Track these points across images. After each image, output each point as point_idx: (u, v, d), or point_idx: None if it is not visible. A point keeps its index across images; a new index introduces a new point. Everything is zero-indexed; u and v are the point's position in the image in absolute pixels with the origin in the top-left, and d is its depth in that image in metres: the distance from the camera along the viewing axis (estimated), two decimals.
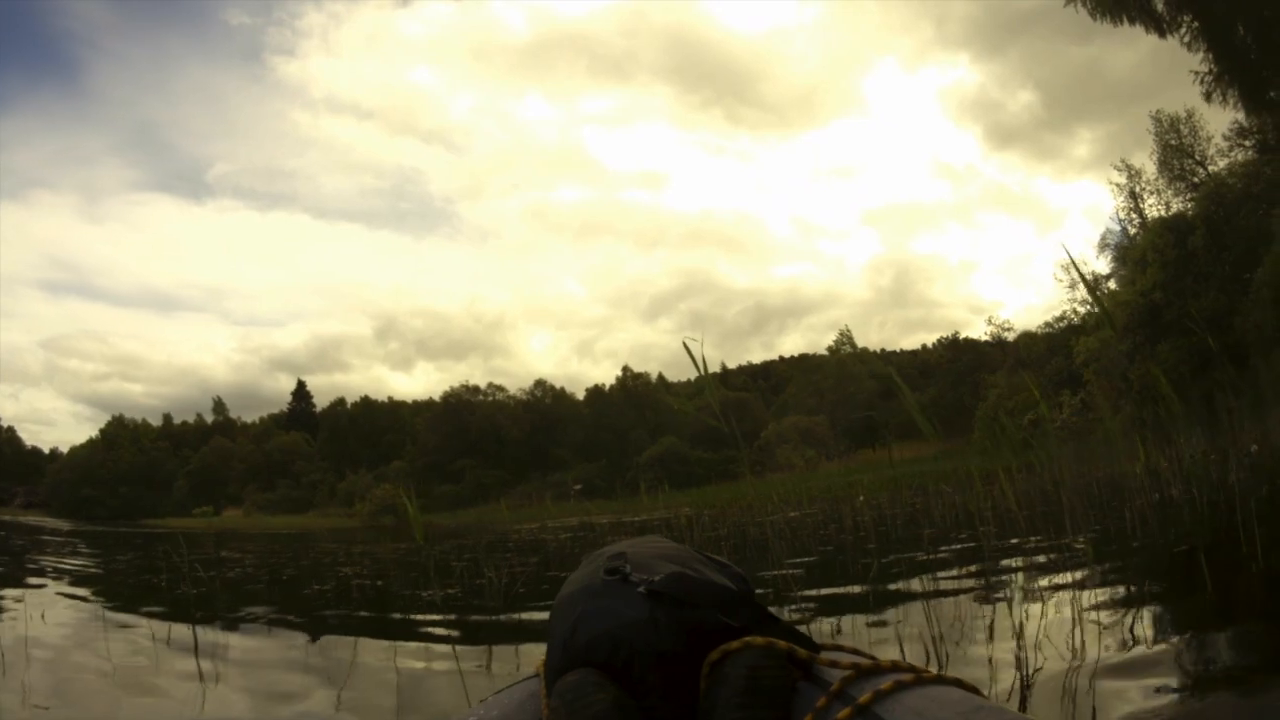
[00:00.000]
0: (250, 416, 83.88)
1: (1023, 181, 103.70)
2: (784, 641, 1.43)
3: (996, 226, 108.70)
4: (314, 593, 8.79)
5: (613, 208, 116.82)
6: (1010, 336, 49.05)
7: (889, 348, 79.71)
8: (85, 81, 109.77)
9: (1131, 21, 19.17)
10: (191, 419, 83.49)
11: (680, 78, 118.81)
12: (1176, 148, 27.72)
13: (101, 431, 75.87)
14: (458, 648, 4.79)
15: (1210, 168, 26.10)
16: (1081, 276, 3.61)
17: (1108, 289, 32.82)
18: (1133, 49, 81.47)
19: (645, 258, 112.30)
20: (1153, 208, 29.66)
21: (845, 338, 70.13)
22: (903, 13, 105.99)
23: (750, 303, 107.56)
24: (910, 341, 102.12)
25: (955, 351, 57.26)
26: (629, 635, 1.42)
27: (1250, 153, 22.07)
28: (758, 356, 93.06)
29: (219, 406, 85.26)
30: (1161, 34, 19.18)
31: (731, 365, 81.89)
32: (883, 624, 4.31)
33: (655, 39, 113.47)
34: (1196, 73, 20.76)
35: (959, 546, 7.40)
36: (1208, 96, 22.15)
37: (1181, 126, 27.40)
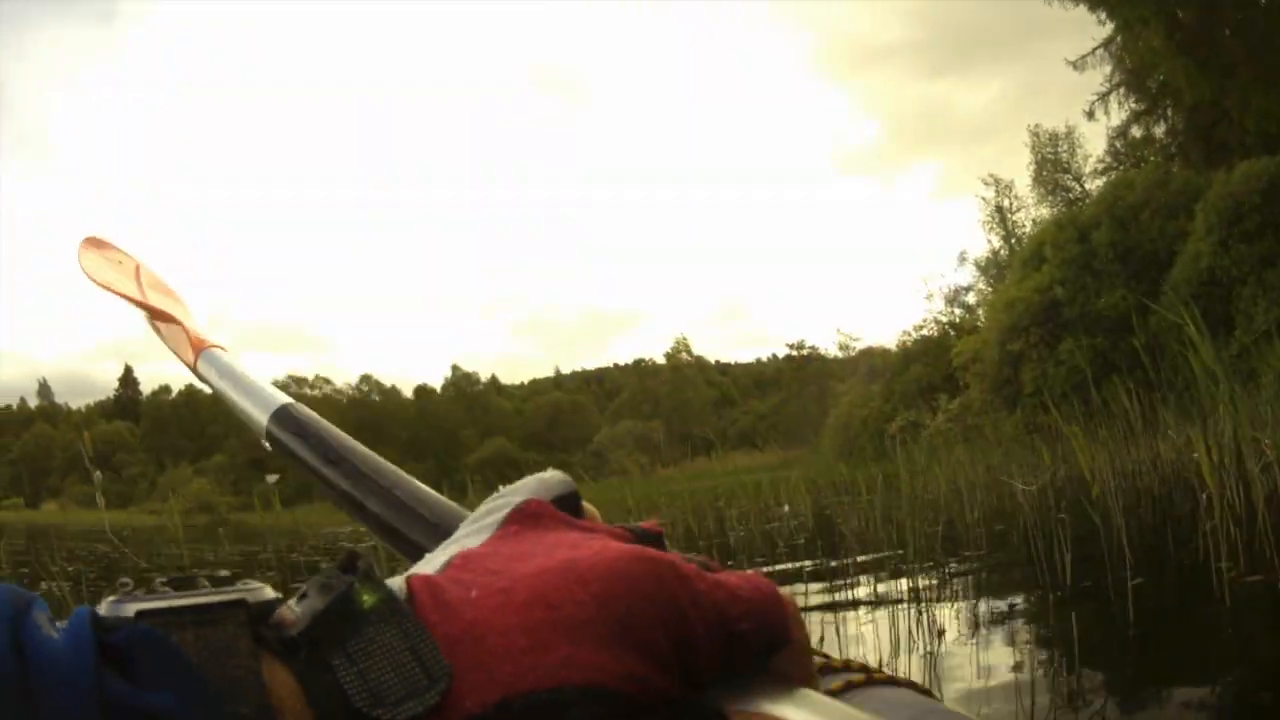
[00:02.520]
0: (79, 404, 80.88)
1: (866, 210, 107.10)
2: None
3: (836, 252, 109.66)
4: None
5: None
6: (858, 348, 48.68)
7: (723, 359, 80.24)
8: None
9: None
10: (16, 404, 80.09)
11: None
12: (1054, 161, 28.15)
13: None
14: None
15: (1087, 184, 26.91)
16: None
17: (965, 301, 32.38)
18: (980, 90, 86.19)
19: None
20: (1022, 223, 30.40)
21: (681, 345, 70.35)
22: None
23: (585, 310, 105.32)
24: (745, 355, 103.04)
25: (798, 361, 56.71)
26: None
27: (1149, 160, 22.36)
28: (591, 363, 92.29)
29: (44, 390, 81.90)
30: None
31: (565, 370, 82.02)
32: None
33: None
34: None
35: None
36: (1090, 114, 23.25)
37: (1061, 142, 28.19)
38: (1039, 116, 69.37)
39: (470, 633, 0.30)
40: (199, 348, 0.98)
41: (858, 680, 1.06)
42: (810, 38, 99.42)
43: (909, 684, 1.08)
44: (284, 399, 0.79)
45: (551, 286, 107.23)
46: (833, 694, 0.99)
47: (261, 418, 0.80)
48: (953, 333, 31.33)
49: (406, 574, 0.33)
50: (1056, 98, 59.14)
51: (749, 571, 0.38)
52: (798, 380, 53.36)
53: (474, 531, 0.40)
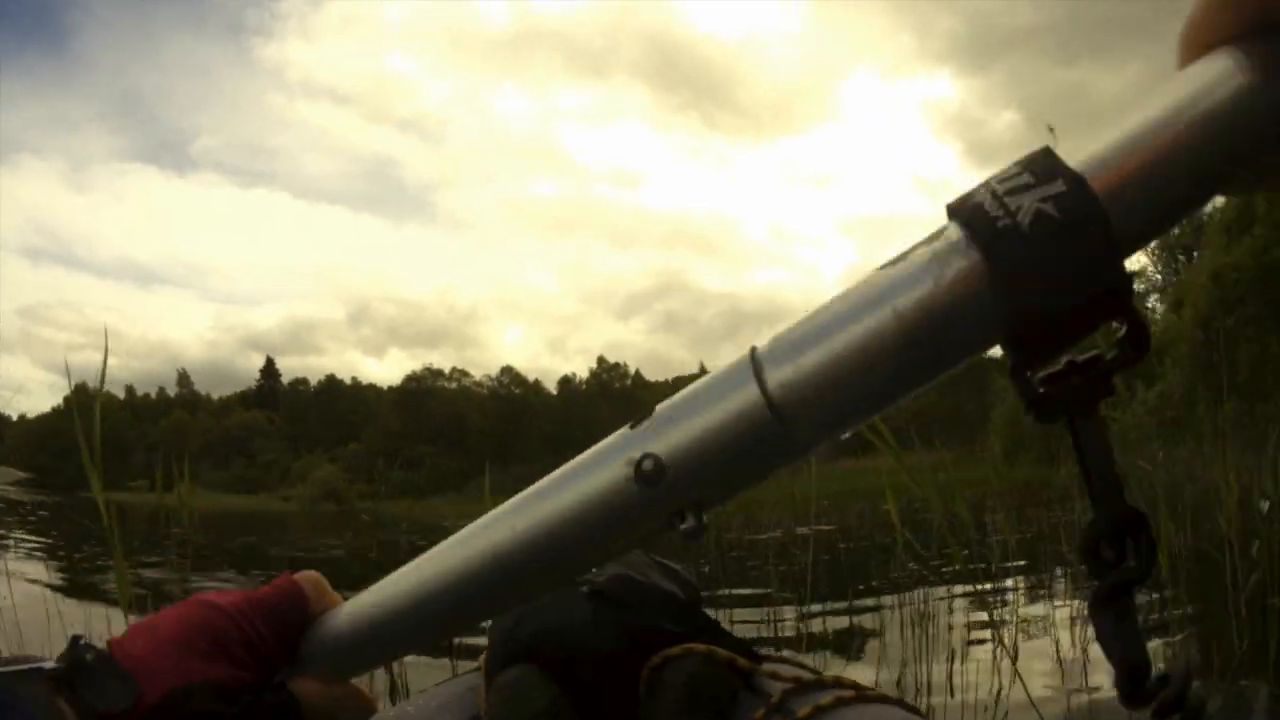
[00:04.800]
0: (220, 394, 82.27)
1: None
2: (725, 650, 1.33)
3: None
4: None
5: (587, 204, 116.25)
6: None
7: None
8: (73, 46, 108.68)
9: None
10: (155, 393, 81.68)
11: (658, 79, 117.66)
12: None
13: (65, 399, 72.16)
14: None
15: None
16: None
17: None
18: (1117, 74, 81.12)
19: (619, 256, 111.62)
20: None
21: None
22: (884, 24, 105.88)
23: (725, 306, 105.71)
24: None
25: None
26: (570, 634, 1.35)
27: None
28: (735, 357, 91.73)
29: (183, 379, 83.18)
30: None
31: (709, 365, 79.29)
32: None
33: (634, 39, 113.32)
34: None
35: None
36: None
37: None
38: None
39: (140, 659, 0.49)
40: None
41: (847, 696, 1.21)
42: (944, 22, 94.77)
43: (898, 702, 1.21)
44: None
45: (689, 283, 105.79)
46: (822, 709, 1.18)
47: None
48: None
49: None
50: None
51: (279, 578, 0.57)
52: (950, 375, 50.18)
53: None
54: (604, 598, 1.41)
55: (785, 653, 1.67)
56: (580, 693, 1.32)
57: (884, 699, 1.22)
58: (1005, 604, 5.44)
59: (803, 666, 1.40)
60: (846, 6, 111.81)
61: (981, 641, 4.42)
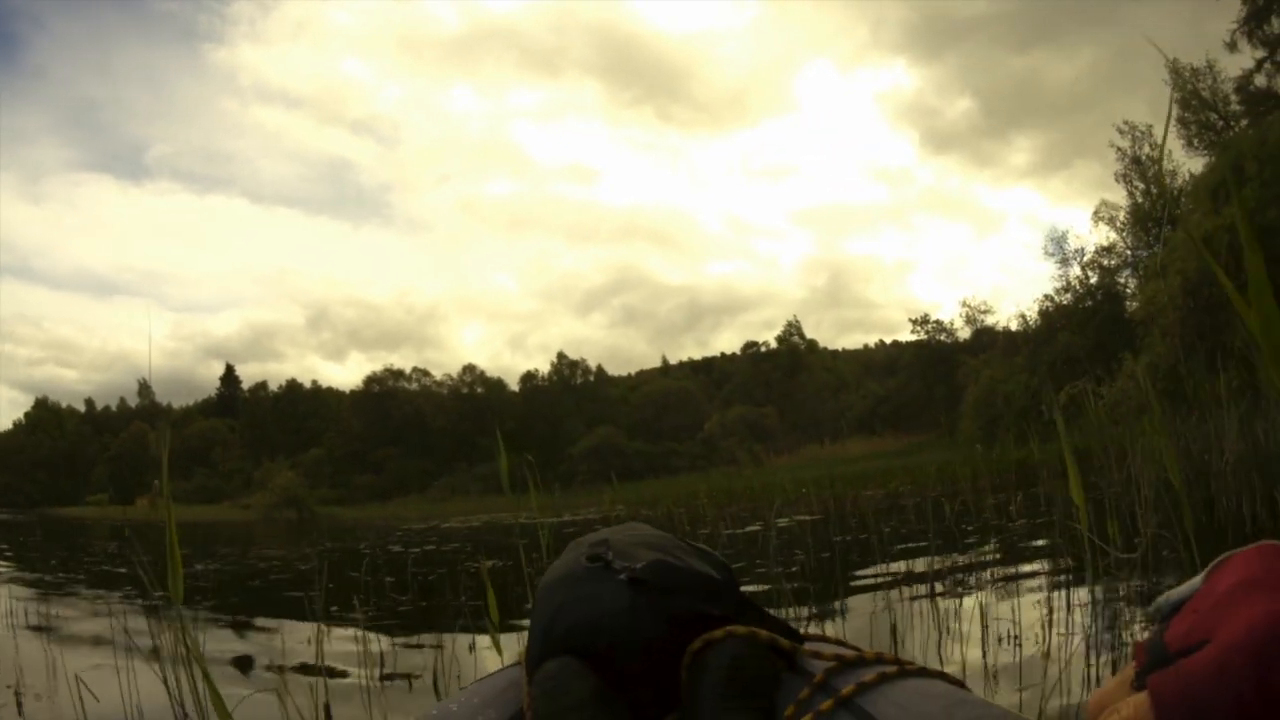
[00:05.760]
0: (181, 404, 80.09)
1: (960, 187, 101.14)
2: (766, 631, 1.36)
3: (933, 230, 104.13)
4: None
5: (543, 202, 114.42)
6: (991, 319, 44.79)
7: (827, 347, 77.07)
8: (24, 57, 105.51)
9: None
10: (116, 404, 79.81)
11: (611, 75, 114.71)
12: (1198, 100, 25.30)
13: (26, 415, 72.61)
14: None
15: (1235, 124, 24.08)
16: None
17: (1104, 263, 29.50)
18: (1071, 61, 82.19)
19: (576, 252, 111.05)
20: (1181, 167, 27.18)
21: (794, 328, 68.02)
22: (837, 16, 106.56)
23: (684, 299, 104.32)
24: (846, 341, 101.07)
25: (919, 341, 53.11)
26: (610, 623, 1.35)
27: None
28: (694, 353, 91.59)
29: (144, 390, 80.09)
30: None
31: (672, 360, 79.39)
32: None
33: (585, 35, 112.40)
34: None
35: None
36: (1232, 45, 22.29)
37: (1203, 78, 25.45)
38: (1132, 86, 65.89)
39: None
40: None
41: (890, 672, 1.21)
42: (897, 12, 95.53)
43: (940, 675, 1.20)
44: None
45: (647, 277, 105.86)
46: (866, 685, 1.18)
47: None
48: (1097, 295, 28.78)
49: None
50: (1153, 61, 55.55)
51: None
52: (920, 360, 49.90)
53: None
54: (643, 585, 1.39)
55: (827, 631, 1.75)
56: (622, 681, 1.32)
57: (925, 672, 1.21)
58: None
59: (844, 644, 1.43)
60: None
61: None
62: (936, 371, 44.78)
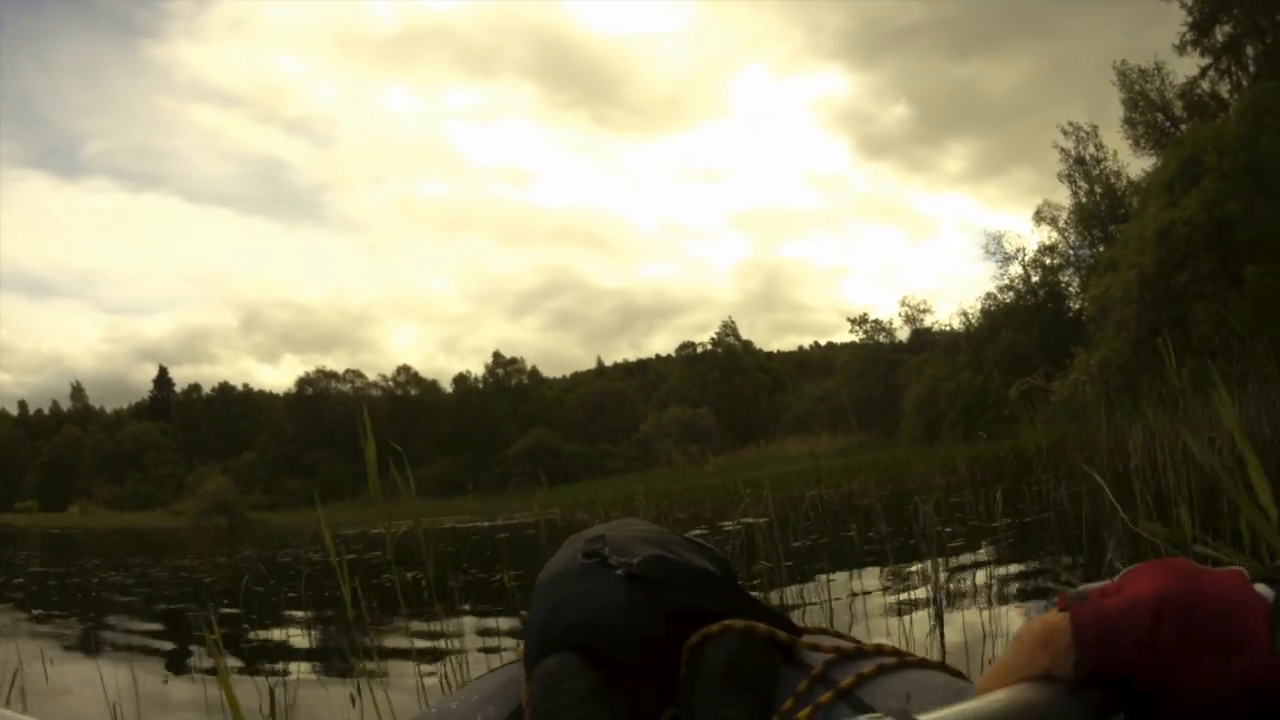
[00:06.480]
0: (115, 407, 78.85)
1: (894, 192, 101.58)
2: (764, 625, 1.28)
3: (867, 234, 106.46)
4: None
5: (477, 203, 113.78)
6: (930, 320, 44.91)
7: (762, 348, 77.20)
8: None
9: None
10: (48, 408, 78.37)
11: (547, 77, 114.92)
12: (1145, 101, 25.77)
13: None
14: None
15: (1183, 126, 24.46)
16: None
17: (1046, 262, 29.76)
18: (1009, 69, 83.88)
19: (510, 254, 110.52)
20: (1125, 168, 28.16)
21: (729, 329, 68.04)
22: (774, 21, 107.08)
23: (617, 302, 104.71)
24: (780, 344, 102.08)
25: (857, 341, 53.16)
26: (607, 619, 1.30)
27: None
28: (629, 356, 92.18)
29: (77, 393, 79.85)
30: None
31: (607, 362, 79.17)
32: None
33: (522, 37, 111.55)
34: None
35: None
36: (1181, 48, 22.63)
37: (1151, 79, 26.21)
38: (1070, 94, 67.40)
39: None
40: None
41: (890, 664, 1.18)
42: (834, 19, 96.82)
43: (941, 666, 1.19)
44: None
45: (580, 280, 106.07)
46: (865, 677, 1.15)
47: None
48: (1040, 293, 29.01)
49: None
50: (1090, 71, 56.79)
51: None
52: (858, 360, 49.85)
53: None
54: (640, 580, 1.35)
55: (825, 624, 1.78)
56: (621, 677, 1.28)
57: (925, 664, 1.21)
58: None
59: (842, 637, 1.41)
60: (736, 3, 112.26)
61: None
62: (875, 371, 44.81)
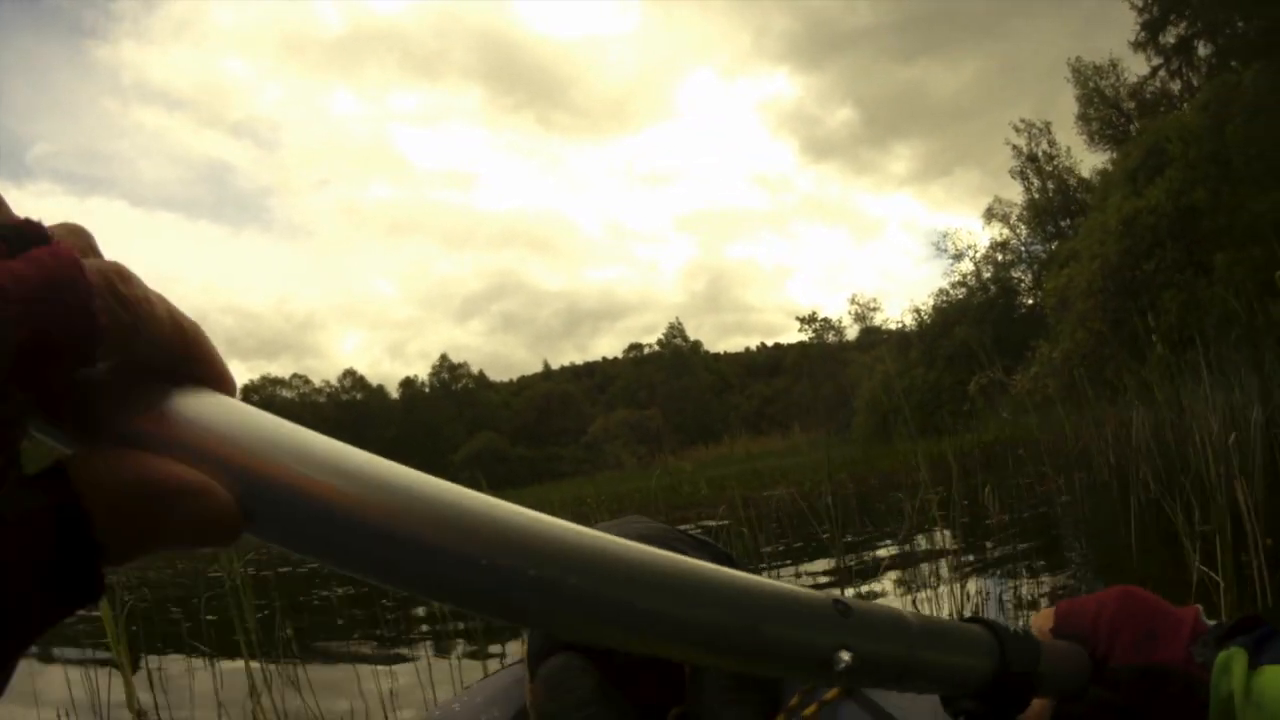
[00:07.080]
0: None
1: (839, 194, 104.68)
2: None
3: (813, 235, 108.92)
4: None
5: (422, 206, 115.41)
6: (879, 318, 44.77)
7: (709, 350, 77.98)
8: None
9: None
10: None
11: (492, 80, 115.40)
12: (1100, 98, 25.92)
13: None
14: None
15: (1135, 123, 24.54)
16: None
17: (999, 258, 29.77)
18: (956, 72, 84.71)
19: (455, 258, 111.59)
20: (1078, 164, 28.32)
21: (676, 330, 68.26)
22: (720, 24, 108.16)
23: (563, 305, 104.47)
24: (727, 345, 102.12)
25: (806, 340, 52.97)
26: None
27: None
28: (575, 358, 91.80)
29: None
30: None
31: (554, 365, 79.15)
32: None
33: (467, 40, 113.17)
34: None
35: None
36: (1137, 45, 22.79)
37: (1106, 75, 26.35)
38: (1016, 96, 68.45)
39: None
40: None
41: None
42: (781, 22, 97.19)
43: None
44: None
45: (526, 283, 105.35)
46: None
47: None
48: (991, 289, 28.95)
49: None
50: (1036, 73, 57.53)
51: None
52: (807, 358, 49.65)
53: None
54: None
55: None
56: (624, 678, 1.33)
57: None
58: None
59: None
60: (683, 6, 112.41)
61: None
62: (824, 369, 44.58)
